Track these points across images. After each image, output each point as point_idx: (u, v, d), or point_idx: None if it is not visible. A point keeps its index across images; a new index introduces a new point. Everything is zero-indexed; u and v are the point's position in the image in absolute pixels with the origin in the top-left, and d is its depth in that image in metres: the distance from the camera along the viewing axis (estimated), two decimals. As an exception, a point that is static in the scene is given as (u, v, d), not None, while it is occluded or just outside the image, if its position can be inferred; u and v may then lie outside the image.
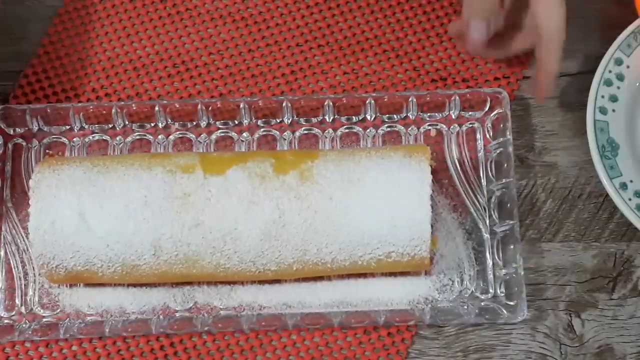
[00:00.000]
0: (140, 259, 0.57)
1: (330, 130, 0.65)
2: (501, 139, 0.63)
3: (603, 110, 0.63)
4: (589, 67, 0.66)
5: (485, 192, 0.63)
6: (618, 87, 0.64)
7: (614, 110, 0.63)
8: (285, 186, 0.57)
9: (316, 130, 0.65)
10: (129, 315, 0.60)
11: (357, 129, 0.65)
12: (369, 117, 0.65)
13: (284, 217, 0.57)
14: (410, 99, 0.64)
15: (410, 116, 0.65)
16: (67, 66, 0.67)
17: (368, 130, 0.65)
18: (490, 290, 0.61)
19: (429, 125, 0.65)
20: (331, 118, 0.65)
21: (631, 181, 0.61)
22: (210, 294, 0.60)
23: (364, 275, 0.61)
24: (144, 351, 0.60)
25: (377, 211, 0.57)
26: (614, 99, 0.64)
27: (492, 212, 0.63)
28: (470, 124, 0.65)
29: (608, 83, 0.64)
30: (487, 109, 0.64)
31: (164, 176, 0.58)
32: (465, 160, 0.64)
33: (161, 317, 0.60)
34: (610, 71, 0.64)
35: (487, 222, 0.63)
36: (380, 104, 0.64)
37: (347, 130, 0.65)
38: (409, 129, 0.65)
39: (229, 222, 0.57)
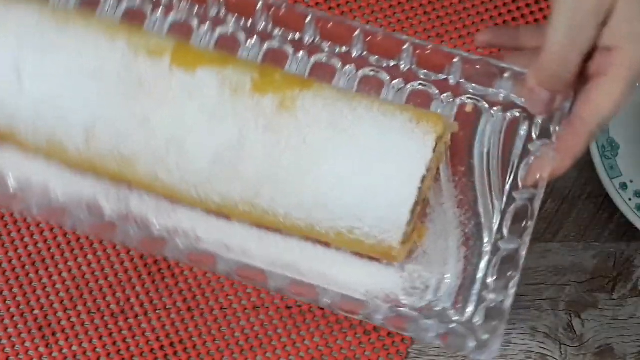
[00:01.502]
0: (70, 141, 0.50)
1: (353, 66, 0.55)
2: (546, 141, 0.52)
3: (603, 110, 0.63)
4: (589, 67, 0.66)
5: (505, 197, 0.53)
6: (618, 87, 0.64)
7: (614, 110, 0.63)
8: (258, 109, 0.48)
9: (335, 60, 0.55)
10: (51, 199, 0.52)
11: (384, 75, 0.55)
12: (402, 67, 0.54)
13: (245, 147, 0.48)
14: (455, 59, 0.53)
15: (451, 80, 0.54)
16: (67, 66, 0.67)
17: (396, 81, 0.55)
18: (467, 312, 0.51)
19: (468, 97, 0.54)
20: (359, 53, 0.55)
21: (631, 181, 0.61)
22: (147, 205, 0.52)
23: (325, 243, 0.52)
24: (143, 351, 0.60)
25: (352, 173, 0.48)
26: (613, 99, 0.64)
27: (503, 224, 0.52)
28: (517, 111, 0.53)
29: (608, 83, 0.64)
30: None
31: (125, 52, 0.49)
32: (496, 153, 0.54)
33: (87, 213, 0.52)
34: (610, 71, 0.64)
35: (494, 233, 0.53)
36: (420, 55, 0.54)
37: (371, 73, 0.55)
38: (444, 95, 0.54)
39: (180, 131, 0.48)
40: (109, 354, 0.60)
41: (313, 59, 0.55)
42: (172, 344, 0.60)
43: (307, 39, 0.55)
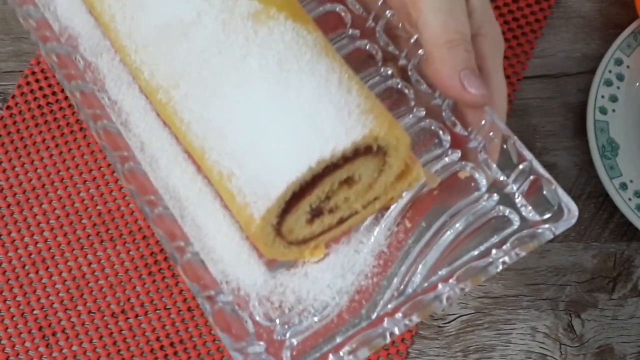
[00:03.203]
0: None
1: (390, 68, 0.50)
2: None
3: (603, 110, 0.63)
4: (589, 67, 0.66)
5: (417, 284, 0.46)
6: (618, 87, 0.64)
7: (614, 110, 0.63)
8: (230, 4, 0.45)
9: (377, 53, 0.50)
10: None
11: (411, 95, 0.49)
12: (433, 100, 0.48)
13: (191, 29, 0.44)
14: (484, 122, 0.46)
15: (472, 143, 0.48)
16: (67, 66, 0.67)
17: (419, 110, 0.49)
18: None
19: (473, 168, 0.48)
20: (404, 62, 0.49)
21: (631, 181, 0.61)
22: (112, 67, 0.52)
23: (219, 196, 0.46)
24: (143, 351, 0.60)
25: (264, 115, 0.41)
26: (614, 99, 0.64)
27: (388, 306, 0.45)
28: (514, 215, 0.46)
29: (608, 83, 0.64)
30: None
31: None
32: (451, 239, 0.46)
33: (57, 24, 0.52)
34: (610, 71, 0.64)
35: (375, 314, 0.45)
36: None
37: (405, 90, 0.49)
38: (453, 150, 0.48)
39: None
40: (109, 354, 0.60)
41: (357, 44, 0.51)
42: (172, 344, 0.60)
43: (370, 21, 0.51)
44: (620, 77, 0.64)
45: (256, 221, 0.41)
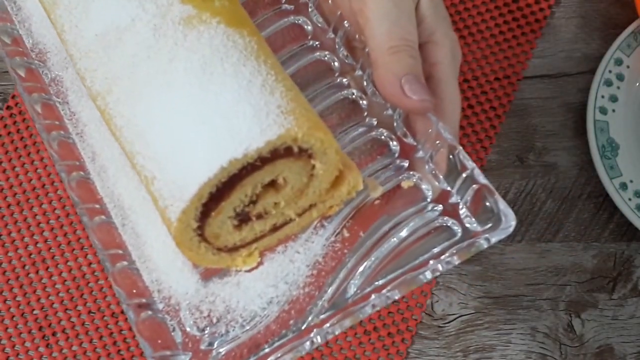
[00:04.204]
0: None
1: (342, 78, 0.50)
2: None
3: (603, 110, 0.63)
4: (589, 67, 0.66)
5: (353, 294, 0.45)
6: (618, 87, 0.64)
7: (614, 110, 0.63)
8: (163, 10, 0.45)
9: (333, 61, 0.50)
10: None
11: (364, 103, 0.49)
12: (385, 110, 0.48)
13: (125, 34, 0.45)
14: (431, 131, 0.45)
15: (420, 153, 0.47)
16: (67, 66, 0.67)
17: (372, 120, 0.49)
18: None
19: (420, 178, 0.47)
20: (360, 73, 0.49)
21: (631, 181, 0.61)
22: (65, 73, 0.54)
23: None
24: (143, 351, 0.60)
25: (185, 118, 0.41)
26: (614, 99, 0.64)
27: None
28: (457, 226, 0.45)
29: (608, 83, 0.64)
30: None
31: None
32: (392, 247, 0.45)
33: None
34: (610, 71, 0.64)
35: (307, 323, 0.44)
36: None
37: (359, 99, 0.49)
38: (401, 160, 0.47)
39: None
40: (109, 354, 0.60)
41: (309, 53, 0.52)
42: (172, 344, 0.60)
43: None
44: (620, 77, 0.64)
45: (173, 223, 0.41)
